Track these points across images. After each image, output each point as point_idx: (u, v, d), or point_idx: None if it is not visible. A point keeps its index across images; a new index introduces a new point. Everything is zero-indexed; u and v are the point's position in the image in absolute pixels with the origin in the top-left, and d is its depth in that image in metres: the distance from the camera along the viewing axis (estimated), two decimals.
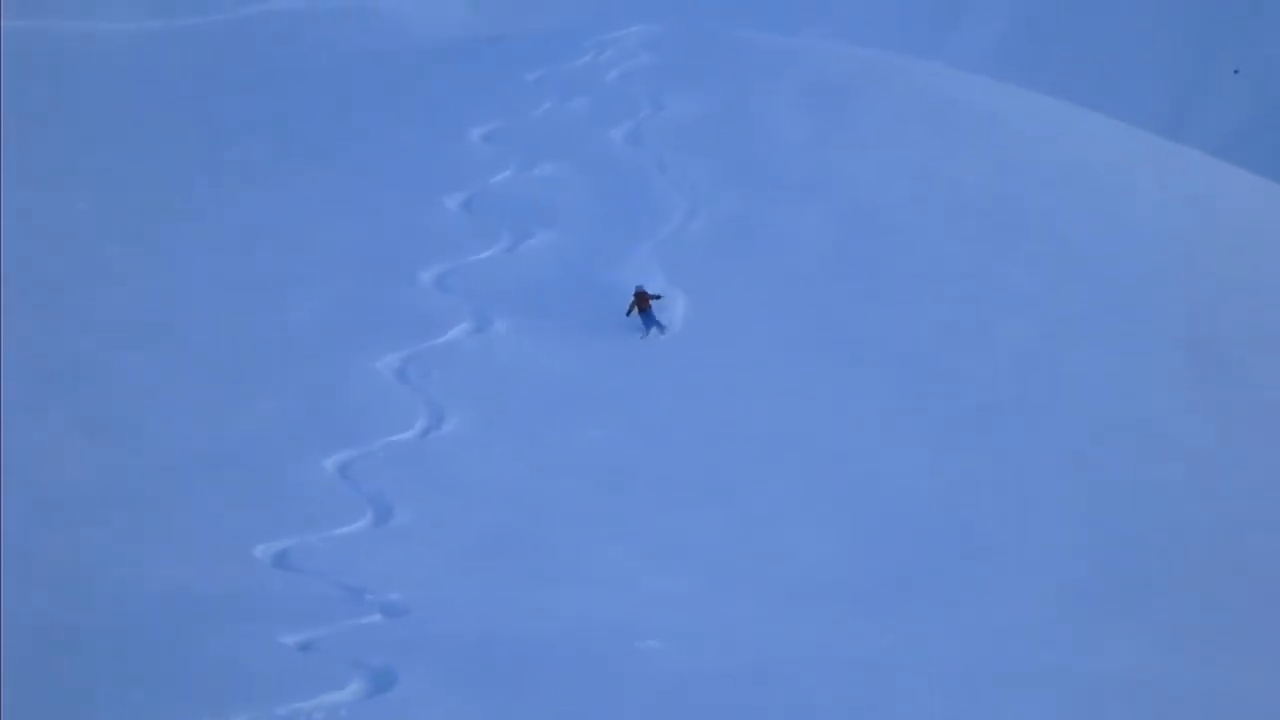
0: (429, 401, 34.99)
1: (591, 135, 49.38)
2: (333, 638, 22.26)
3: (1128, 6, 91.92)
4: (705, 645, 23.91)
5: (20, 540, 26.16)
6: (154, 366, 35.01)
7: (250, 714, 18.76)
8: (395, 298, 40.23)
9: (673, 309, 39.39)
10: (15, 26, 59.77)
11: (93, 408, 32.47)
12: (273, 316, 38.43)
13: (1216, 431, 35.94)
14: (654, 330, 38.53)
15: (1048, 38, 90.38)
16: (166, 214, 43.71)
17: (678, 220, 45.48)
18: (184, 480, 29.64)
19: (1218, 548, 31.02)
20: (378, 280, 41.01)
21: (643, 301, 38.69)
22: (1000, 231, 45.07)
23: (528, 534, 29.04)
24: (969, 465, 33.70)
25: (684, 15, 75.53)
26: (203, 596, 23.79)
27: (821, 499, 31.85)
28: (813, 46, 58.56)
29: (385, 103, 52.61)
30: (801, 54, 54.74)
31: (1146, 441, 35.34)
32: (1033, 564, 29.72)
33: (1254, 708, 23.15)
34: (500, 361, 37.65)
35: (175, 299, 38.87)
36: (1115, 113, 57.19)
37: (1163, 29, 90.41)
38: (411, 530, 28.69)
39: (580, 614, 25.23)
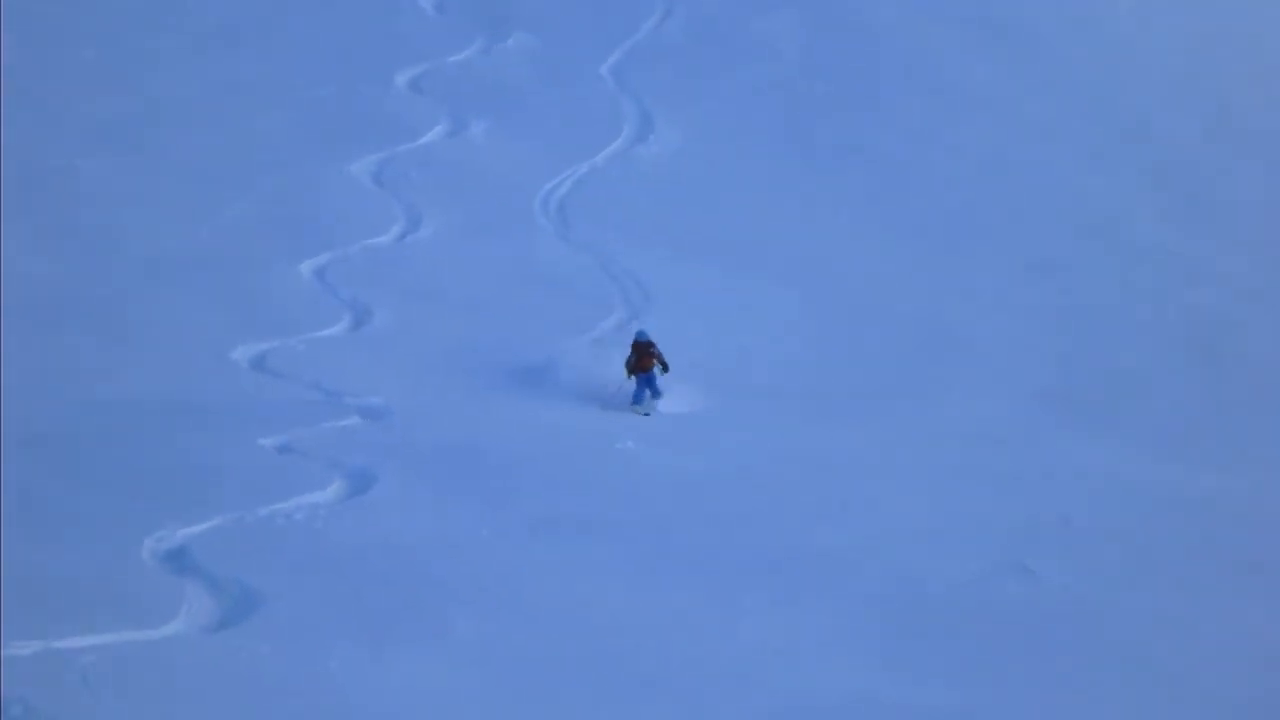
0: (406, 205, 34.83)
1: None
2: (312, 440, 22.32)
3: None
4: (683, 447, 24.08)
5: None
6: (127, 172, 34.74)
7: (230, 515, 18.85)
8: (370, 101, 39.92)
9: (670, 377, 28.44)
10: None
11: (64, 213, 32.18)
12: (246, 121, 38.11)
13: (1185, 236, 35.97)
14: (647, 398, 28.06)
15: None
16: (142, 19, 43.18)
17: (653, 22, 45.18)
18: (159, 286, 29.49)
19: (1194, 348, 31.16)
20: (352, 83, 40.66)
21: (643, 359, 28.07)
22: (975, 36, 44.81)
23: (503, 338, 29.02)
24: (942, 269, 33.74)
25: None
26: (180, 401, 23.79)
27: (795, 304, 31.88)
28: None
29: None
30: None
31: (1118, 245, 35.39)
32: (1010, 368, 29.85)
33: (1229, 508, 23.33)
34: (477, 164, 37.46)
35: (149, 104, 38.51)
36: None
37: None
38: (390, 334, 28.64)
39: (558, 418, 25.32)
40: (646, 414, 27.42)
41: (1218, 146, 40.31)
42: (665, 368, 27.97)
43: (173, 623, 15.71)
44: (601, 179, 37.59)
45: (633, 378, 27.92)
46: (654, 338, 28.17)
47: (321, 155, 36.56)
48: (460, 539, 18.85)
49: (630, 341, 28.15)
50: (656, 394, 28.15)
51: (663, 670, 15.13)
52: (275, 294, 29.75)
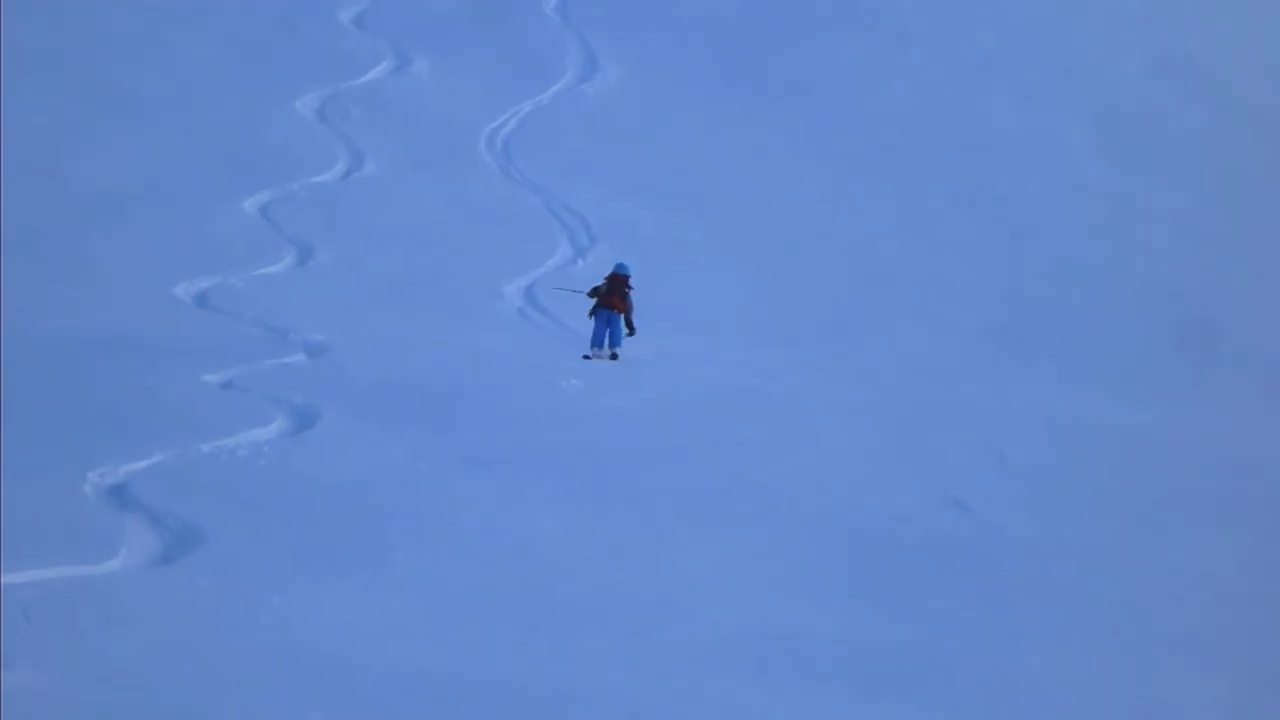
0: (349, 142, 34.79)
1: None
2: (255, 376, 22.37)
3: None
4: (622, 382, 24.19)
5: None
6: (67, 105, 34.61)
7: (173, 451, 18.88)
8: (315, 36, 39.81)
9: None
10: None
11: (4, 148, 32.00)
12: (190, 56, 37.96)
13: (1126, 173, 36.21)
14: (599, 345, 26.16)
15: None
16: None
17: None
18: (101, 221, 29.45)
19: (1136, 285, 31.39)
20: (297, 18, 40.53)
21: (612, 295, 26.10)
22: None
23: (448, 274, 29.08)
24: (882, 206, 33.91)
25: None
26: (123, 337, 23.79)
27: (736, 241, 32.00)
28: None
29: None
30: None
31: (1058, 182, 35.59)
32: (951, 304, 30.03)
33: (1169, 445, 23.54)
34: (421, 101, 37.42)
35: (90, 37, 38.30)
36: None
37: None
38: (333, 270, 28.69)
39: (499, 354, 25.40)
40: (588, 357, 25.69)
41: (1159, 84, 40.55)
42: (630, 326, 25.81)
43: (114, 558, 15.75)
44: (546, 117, 37.63)
45: (591, 317, 25.80)
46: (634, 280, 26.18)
47: (265, 92, 36.49)
48: (400, 473, 18.95)
49: (608, 274, 26.27)
50: (616, 340, 26.09)
51: (597, 600, 15.28)
52: (219, 230, 29.74)
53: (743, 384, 24.48)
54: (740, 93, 38.77)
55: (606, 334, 26.04)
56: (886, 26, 41.97)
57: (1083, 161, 36.56)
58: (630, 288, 26.11)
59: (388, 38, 40.27)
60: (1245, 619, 17.00)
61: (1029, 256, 32.20)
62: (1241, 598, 17.62)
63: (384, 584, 15.41)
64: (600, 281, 26.49)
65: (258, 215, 30.81)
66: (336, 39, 39.89)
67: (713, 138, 36.57)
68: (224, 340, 24.14)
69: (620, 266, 26.51)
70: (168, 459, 18.63)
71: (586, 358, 25.74)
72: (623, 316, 25.94)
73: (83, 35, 38.16)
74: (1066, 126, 37.98)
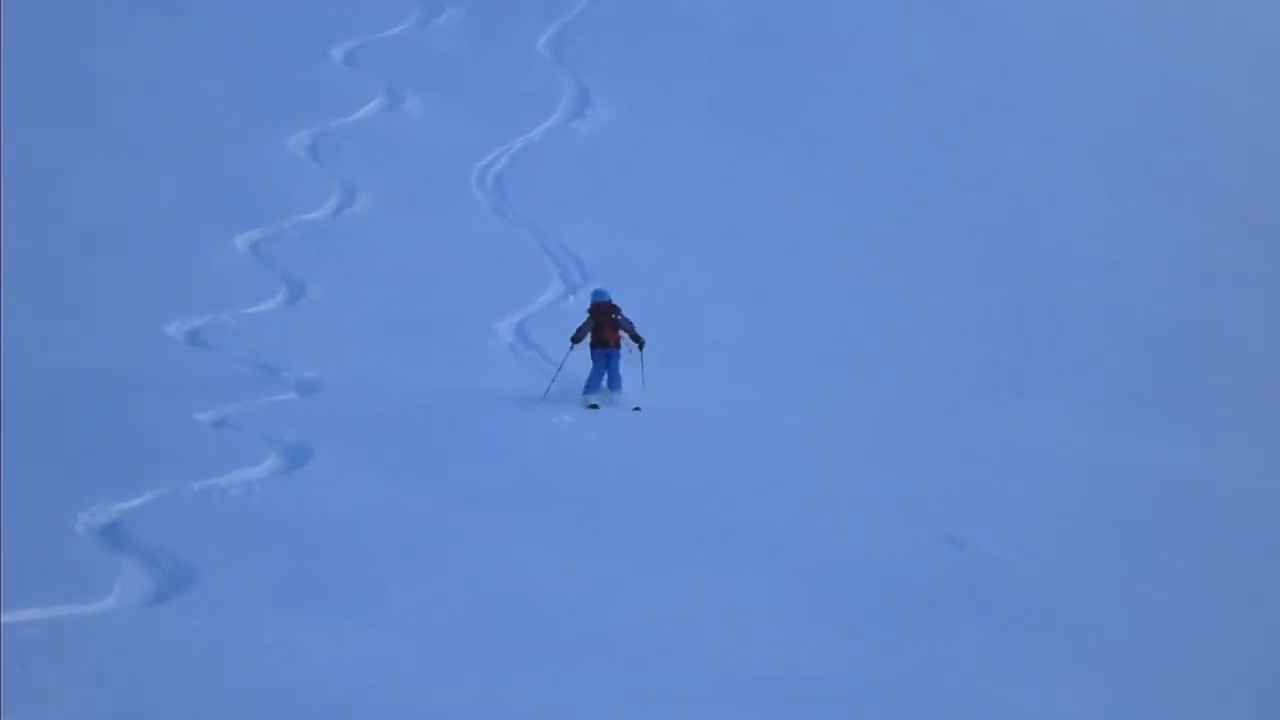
0: (341, 179, 34.78)
1: None
2: (247, 414, 22.32)
3: None
4: (619, 421, 24.04)
5: None
6: (61, 143, 34.57)
7: (165, 489, 18.83)
8: (306, 74, 39.83)
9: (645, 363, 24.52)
10: None
11: (2, 183, 31.95)
12: (182, 93, 37.97)
13: (1124, 207, 36.22)
14: (604, 388, 23.87)
15: None
16: None
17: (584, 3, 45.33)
18: (92, 257, 29.38)
19: (1137, 320, 31.29)
20: (287, 57, 40.55)
21: (602, 329, 23.85)
22: (910, 6, 44.96)
23: (439, 311, 29.01)
24: (880, 241, 33.82)
25: None
26: (115, 374, 23.73)
27: (733, 277, 31.91)
28: None
29: None
30: None
31: (1058, 215, 35.55)
32: (950, 340, 29.85)
33: (1169, 481, 23.39)
34: (413, 138, 37.42)
35: (83, 75, 38.31)
36: None
37: None
38: (325, 307, 28.60)
39: (493, 391, 25.29)
40: (594, 406, 23.42)
41: (1158, 117, 40.57)
42: (639, 341, 23.58)
43: (107, 597, 15.71)
44: (538, 154, 37.60)
45: (575, 349, 23.62)
46: (618, 301, 24.20)
47: (257, 129, 36.46)
48: (395, 512, 18.88)
49: (588, 306, 24.21)
50: (616, 383, 23.66)
51: (595, 640, 15.22)
52: (210, 267, 29.67)
53: (742, 420, 24.39)
54: (735, 128, 38.75)
55: (604, 377, 23.73)
56: (885, 61, 42.00)
57: (1084, 195, 36.54)
58: (618, 310, 23.93)
59: (379, 75, 40.31)
60: (1245, 651, 16.95)
61: (1030, 290, 32.11)
62: (1241, 630, 17.57)
63: (379, 624, 15.34)
64: (582, 320, 24.06)
65: (249, 252, 30.76)
66: (329, 76, 39.92)
67: (708, 174, 36.54)
68: (216, 378, 24.08)
69: (598, 294, 24.19)
70: (160, 498, 18.59)
71: (593, 406, 23.49)
72: (622, 347, 23.62)
73: (79, 76, 38.16)
74: (1067, 160, 37.96)
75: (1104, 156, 38.20)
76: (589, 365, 24.38)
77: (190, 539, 17.33)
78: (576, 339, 23.89)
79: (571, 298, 30.24)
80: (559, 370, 24.55)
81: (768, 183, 36.35)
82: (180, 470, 19.45)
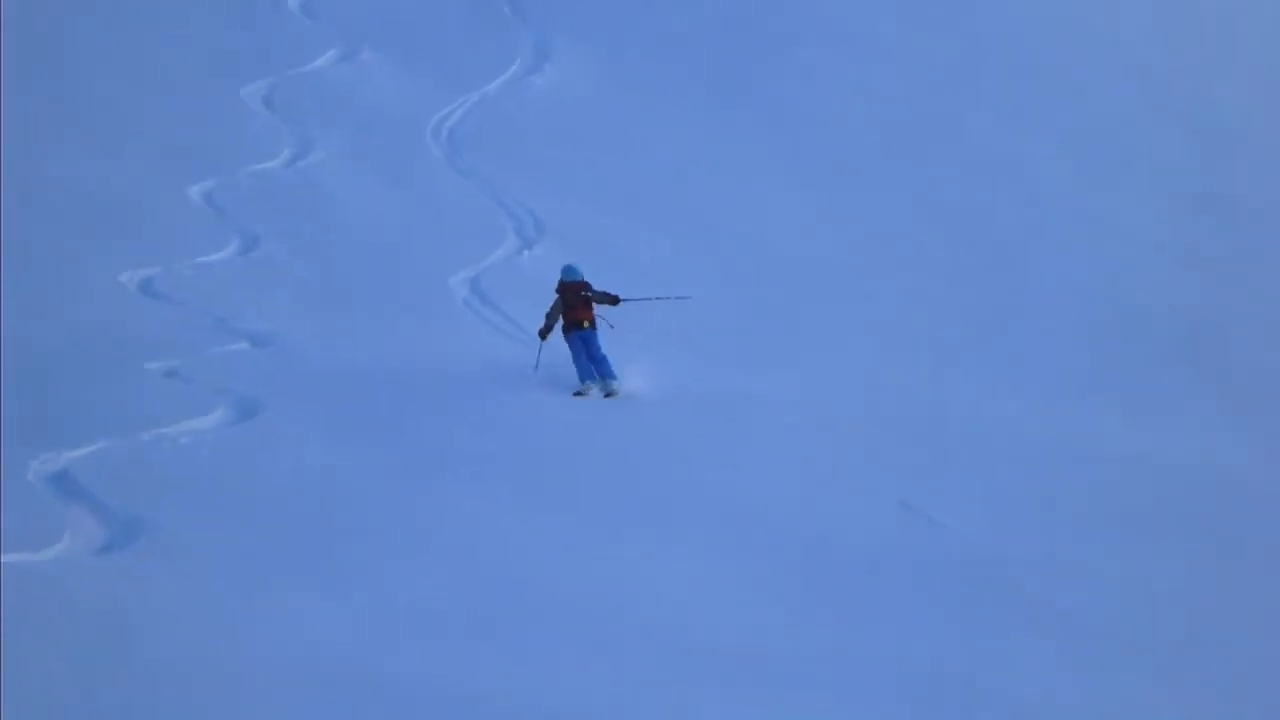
0: (296, 130, 34.67)
1: None
2: (199, 365, 22.26)
3: None
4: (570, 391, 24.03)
5: None
6: (8, 95, 34.29)
7: (115, 439, 18.81)
8: (261, 25, 39.63)
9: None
10: None
11: None
12: (134, 44, 37.75)
13: (1094, 188, 36.35)
14: (589, 378, 22.58)
15: None
16: None
17: None
18: (43, 208, 29.20)
19: (1099, 300, 31.42)
20: (243, 7, 40.35)
21: (575, 309, 22.50)
22: None
23: (393, 265, 28.99)
24: (847, 218, 33.80)
25: None
26: (67, 324, 23.61)
27: (693, 249, 31.80)
28: None
29: None
30: None
31: (1027, 196, 35.65)
32: (916, 317, 29.84)
33: (1127, 459, 23.50)
34: (369, 90, 37.32)
35: (34, 30, 38.00)
36: None
37: None
38: (278, 260, 28.50)
39: (447, 349, 25.27)
40: (579, 394, 22.07)
41: (1133, 99, 40.72)
42: (613, 300, 22.10)
43: (57, 545, 15.70)
44: (493, 109, 37.54)
45: (547, 338, 22.15)
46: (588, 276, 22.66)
47: (211, 79, 36.31)
48: (346, 470, 18.87)
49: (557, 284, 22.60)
50: (606, 368, 22.12)
51: (550, 608, 15.22)
52: (163, 218, 29.53)
53: (709, 394, 24.17)
54: (701, 100, 38.69)
55: (590, 356, 22.29)
56: (860, 40, 42.03)
57: (1052, 176, 36.63)
58: (589, 286, 22.63)
59: (336, 26, 40.16)
60: (1202, 623, 17.15)
61: (1003, 272, 32.19)
62: (1198, 604, 17.77)
63: (329, 582, 15.36)
64: (551, 302, 22.55)
65: (202, 202, 30.64)
66: (285, 26, 39.77)
67: (670, 144, 36.46)
68: (168, 328, 23.97)
69: (569, 271, 22.74)
70: (110, 447, 18.56)
71: (578, 394, 22.34)
72: (593, 334, 22.23)
73: (29, 30, 37.83)
74: (1038, 141, 38.07)
75: (1074, 140, 38.33)
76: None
77: (140, 489, 17.31)
78: (546, 329, 22.44)
79: (526, 252, 30.22)
80: (539, 352, 23.38)
81: (731, 155, 36.34)
82: (131, 420, 19.41)
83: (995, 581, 17.71)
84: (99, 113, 33.94)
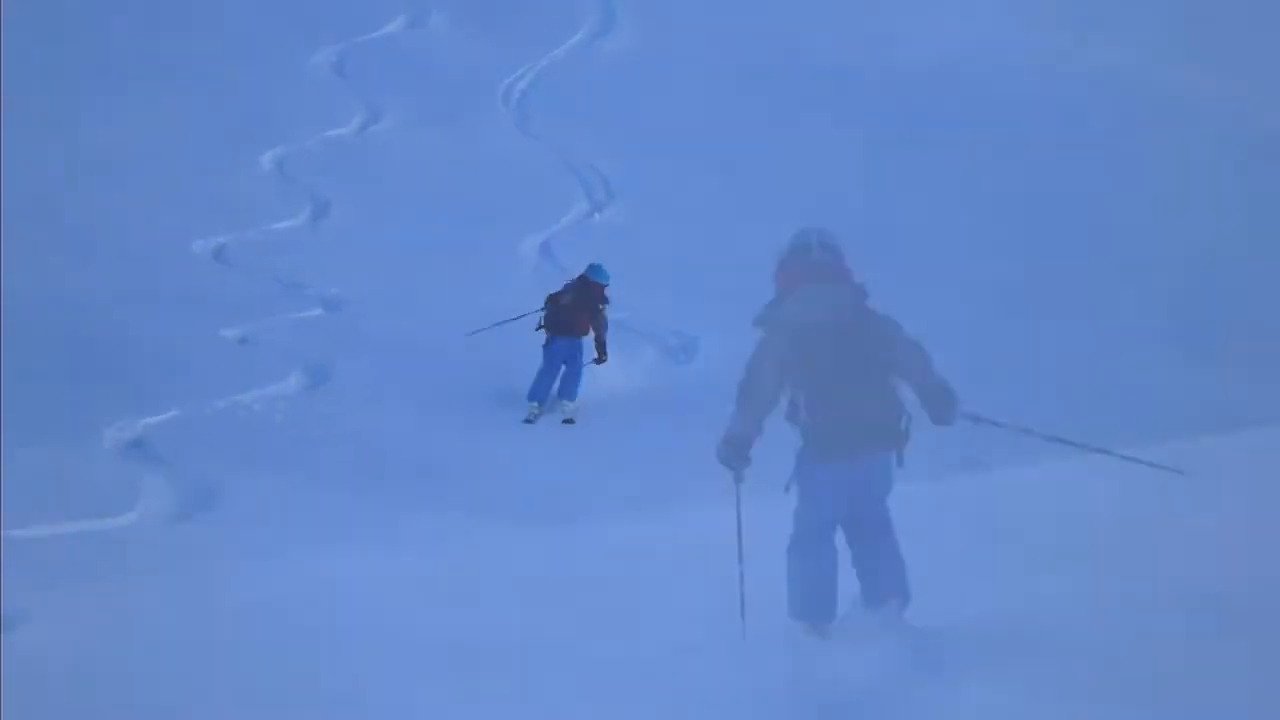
0: (366, 96, 34.75)
1: None
2: (271, 331, 22.40)
3: None
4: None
5: None
6: (82, 64, 34.51)
7: (190, 406, 18.96)
8: None
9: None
10: None
11: (17, 109, 31.80)
12: (208, 11, 37.90)
13: (1124, 123, 35.72)
14: (553, 394, 19.86)
15: None
16: None
17: None
18: (117, 177, 29.37)
19: (1141, 249, 31.01)
20: None
21: (579, 314, 20.16)
22: None
23: (463, 229, 29.02)
24: (899, 169, 33.52)
25: None
26: (141, 292, 23.77)
27: (755, 200, 31.65)
28: None
29: None
30: None
31: (1068, 134, 35.13)
32: (969, 264, 29.58)
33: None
34: (438, 55, 37.35)
35: (103, 4, 38.17)
36: None
37: None
38: (349, 226, 28.63)
39: (512, 313, 25.21)
40: (529, 420, 19.52)
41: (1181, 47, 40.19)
42: (602, 351, 19.67)
43: (130, 512, 15.84)
44: (563, 72, 37.51)
45: (541, 337, 19.72)
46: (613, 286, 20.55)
47: (282, 46, 36.42)
48: (416, 432, 18.97)
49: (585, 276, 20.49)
50: (571, 389, 19.59)
51: (617, 559, 15.23)
52: (235, 185, 29.69)
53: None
54: (750, 70, 38.33)
55: (557, 380, 19.58)
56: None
57: (1088, 104, 35.92)
58: (606, 300, 20.21)
59: None
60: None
61: (1049, 218, 31.80)
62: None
63: (399, 544, 15.43)
64: (560, 289, 20.20)
65: (274, 169, 30.79)
66: None
67: (732, 97, 36.29)
68: (241, 295, 24.13)
69: (594, 270, 20.29)
70: (185, 414, 18.72)
71: (527, 421, 19.65)
72: (589, 342, 19.85)
73: (99, 2, 37.97)
74: (1076, 80, 37.51)
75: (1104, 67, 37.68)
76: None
77: (214, 455, 17.47)
78: (546, 320, 19.84)
79: (597, 215, 30.22)
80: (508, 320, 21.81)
81: (791, 107, 36.09)
82: (203, 386, 19.57)
83: None
84: (168, 79, 34.09)
